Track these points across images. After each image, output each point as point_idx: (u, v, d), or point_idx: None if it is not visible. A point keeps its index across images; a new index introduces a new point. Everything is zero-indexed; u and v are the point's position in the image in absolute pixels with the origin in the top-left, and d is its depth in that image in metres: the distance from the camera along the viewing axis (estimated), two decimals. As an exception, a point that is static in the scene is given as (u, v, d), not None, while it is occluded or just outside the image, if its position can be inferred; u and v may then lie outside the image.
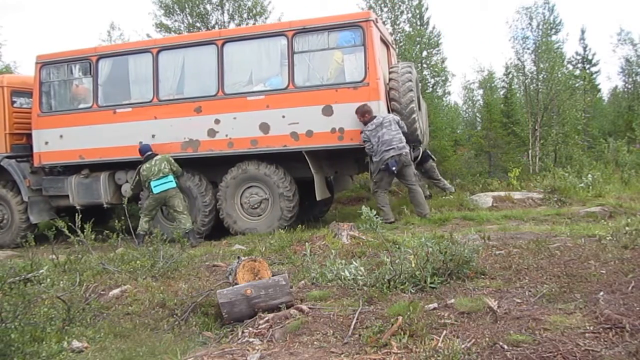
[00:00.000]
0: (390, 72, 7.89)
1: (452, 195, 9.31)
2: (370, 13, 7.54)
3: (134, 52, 8.46)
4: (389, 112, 7.66)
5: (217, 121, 7.82)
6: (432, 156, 9.53)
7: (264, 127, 7.64)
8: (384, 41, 8.46)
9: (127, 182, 8.43)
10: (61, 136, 8.57)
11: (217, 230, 9.07)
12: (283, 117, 7.53)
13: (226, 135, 7.80)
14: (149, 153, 7.68)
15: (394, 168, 7.05)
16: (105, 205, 8.53)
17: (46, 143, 8.65)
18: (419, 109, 8.19)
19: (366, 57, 7.26)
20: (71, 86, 8.92)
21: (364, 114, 7.16)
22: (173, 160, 7.71)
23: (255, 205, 7.92)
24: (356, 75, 7.40)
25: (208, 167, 8.18)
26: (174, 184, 7.58)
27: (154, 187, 7.49)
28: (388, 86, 7.76)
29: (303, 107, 7.46)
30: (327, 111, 7.36)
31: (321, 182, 7.74)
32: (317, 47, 7.55)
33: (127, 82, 8.53)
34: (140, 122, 8.16)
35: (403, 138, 7.18)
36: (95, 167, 8.62)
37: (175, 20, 15.47)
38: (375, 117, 7.15)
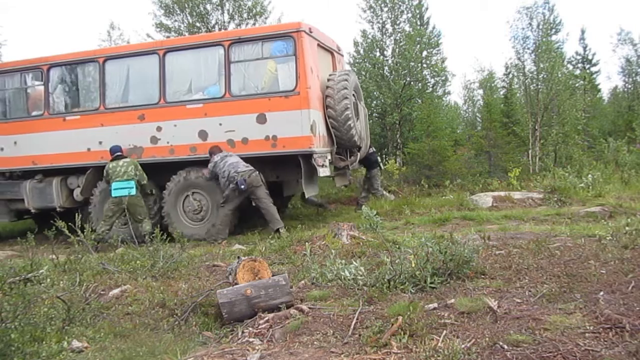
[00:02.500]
0: (327, 80, 8.10)
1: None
2: (302, 23, 7.64)
3: (82, 61, 8.75)
4: (325, 119, 7.93)
5: (159, 128, 8.09)
6: (380, 164, 9.58)
7: (203, 135, 7.88)
8: (326, 49, 8.68)
9: (78, 186, 8.66)
10: (15, 143, 8.87)
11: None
12: (220, 124, 7.79)
13: (167, 142, 8.07)
14: (118, 154, 7.81)
15: (242, 186, 7.22)
16: (58, 209, 8.67)
17: (1, 149, 8.96)
18: (357, 115, 8.44)
19: (297, 67, 7.46)
20: (25, 94, 9.17)
21: (211, 154, 7.61)
22: (140, 167, 7.85)
23: (197, 211, 8.06)
24: (288, 84, 7.60)
25: (156, 171, 8.29)
26: (133, 192, 7.58)
27: (114, 189, 7.54)
28: (325, 94, 7.97)
29: (238, 115, 7.72)
30: (261, 119, 7.59)
31: None
32: (252, 56, 7.83)
33: (77, 90, 8.91)
34: (88, 129, 8.46)
35: (247, 164, 7.44)
36: (49, 172, 8.82)
37: (175, 20, 15.47)
38: (220, 151, 7.62)
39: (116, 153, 7.77)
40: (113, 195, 7.53)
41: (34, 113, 8.97)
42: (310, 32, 7.79)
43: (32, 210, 8.87)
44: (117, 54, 8.60)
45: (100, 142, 8.27)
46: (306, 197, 8.27)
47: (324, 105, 7.93)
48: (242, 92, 7.83)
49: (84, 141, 8.40)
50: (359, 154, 8.78)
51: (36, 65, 8.89)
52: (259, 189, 7.43)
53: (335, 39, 9.37)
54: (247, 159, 7.66)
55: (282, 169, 8.04)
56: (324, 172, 7.62)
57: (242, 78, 7.88)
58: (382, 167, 9.58)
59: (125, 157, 7.80)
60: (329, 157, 7.95)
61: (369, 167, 9.63)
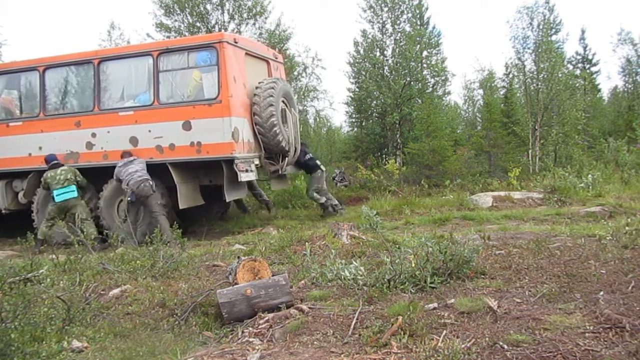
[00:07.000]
0: (256, 88, 8.33)
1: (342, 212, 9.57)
2: (224, 34, 7.96)
3: (24, 70, 8.99)
4: (252, 125, 8.19)
5: (93, 135, 8.35)
6: (321, 167, 9.60)
7: (134, 141, 8.11)
8: (258, 57, 8.93)
9: (23, 189, 8.81)
10: None
11: (217, 229, 9.09)
12: (149, 131, 8.03)
13: (101, 148, 8.33)
14: (55, 162, 8.04)
15: (129, 199, 7.58)
16: (3, 211, 8.86)
17: None
18: (285, 121, 8.64)
19: (219, 76, 7.70)
20: None
21: (121, 157, 7.86)
22: (79, 172, 8.06)
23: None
24: (212, 92, 7.83)
25: (94, 176, 8.42)
26: (75, 194, 7.85)
27: (56, 195, 7.78)
28: (252, 101, 8.21)
29: (166, 122, 7.97)
30: (187, 126, 7.85)
31: (186, 191, 8.08)
32: (179, 66, 8.11)
33: (19, 98, 9.17)
34: (29, 135, 8.70)
35: (145, 173, 7.62)
36: None
37: (175, 20, 15.45)
38: (130, 156, 7.85)
39: (52, 162, 8.03)
40: (56, 200, 7.79)
41: None
42: (236, 42, 8.06)
43: None
44: (56, 62, 8.77)
45: (41, 148, 8.51)
46: (227, 200, 8.35)
47: (251, 112, 8.18)
48: (170, 100, 8.08)
49: (25, 146, 8.65)
50: (287, 159, 8.87)
51: None
52: (148, 199, 7.60)
53: (270, 48, 9.66)
54: (178, 164, 7.92)
55: (214, 173, 8.23)
56: (246, 177, 7.83)
57: (169, 87, 8.16)
58: (323, 170, 9.63)
59: (62, 165, 8.07)
60: (257, 162, 8.18)
61: (309, 171, 9.63)
